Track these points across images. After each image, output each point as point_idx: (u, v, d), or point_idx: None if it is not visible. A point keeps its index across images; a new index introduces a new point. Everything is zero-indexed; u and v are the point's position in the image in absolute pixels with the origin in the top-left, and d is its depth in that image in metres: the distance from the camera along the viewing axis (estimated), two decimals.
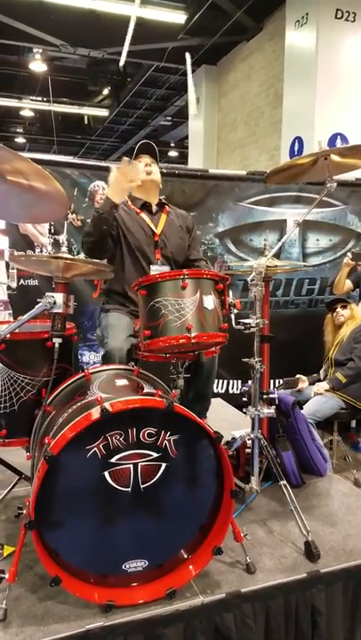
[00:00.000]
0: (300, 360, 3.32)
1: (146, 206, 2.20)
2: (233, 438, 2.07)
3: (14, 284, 3.16)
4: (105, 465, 1.31)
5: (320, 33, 5.02)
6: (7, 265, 3.23)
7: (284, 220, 3.58)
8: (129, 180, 1.92)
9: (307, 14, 5.17)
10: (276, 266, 2.02)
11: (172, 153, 12.78)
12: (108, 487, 1.32)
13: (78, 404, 1.47)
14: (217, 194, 3.44)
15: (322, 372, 3.18)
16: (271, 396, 1.94)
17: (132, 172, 1.93)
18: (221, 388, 3.58)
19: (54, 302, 1.55)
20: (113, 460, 1.31)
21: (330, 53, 5.06)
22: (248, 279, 1.86)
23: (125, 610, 1.35)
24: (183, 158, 11.34)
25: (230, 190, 3.48)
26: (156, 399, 1.37)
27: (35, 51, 7.36)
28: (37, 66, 7.75)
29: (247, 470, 2.03)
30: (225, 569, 1.54)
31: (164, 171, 3.20)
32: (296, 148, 5.37)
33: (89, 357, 3.28)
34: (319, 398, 2.91)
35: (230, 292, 1.67)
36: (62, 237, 1.71)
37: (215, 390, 3.50)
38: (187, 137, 9.20)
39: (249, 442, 1.93)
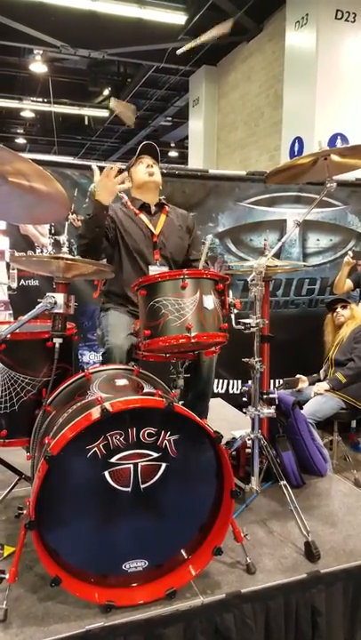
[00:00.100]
0: (301, 360, 3.32)
1: (145, 207, 2.21)
2: (233, 438, 2.07)
3: (15, 285, 3.16)
4: (105, 465, 1.31)
5: (320, 33, 5.03)
6: (8, 265, 3.24)
7: (284, 220, 3.59)
8: (115, 182, 1.89)
9: (307, 15, 5.17)
10: (277, 266, 2.02)
11: (173, 153, 12.78)
12: (108, 487, 1.32)
13: (78, 403, 1.47)
14: (217, 194, 3.44)
15: (322, 372, 3.17)
16: (271, 396, 1.94)
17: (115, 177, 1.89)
18: (221, 388, 3.57)
19: (55, 302, 1.55)
20: (113, 459, 1.31)
21: (330, 54, 5.06)
22: (248, 279, 1.86)
23: (125, 610, 1.35)
24: (183, 159, 11.35)
25: (230, 190, 3.49)
26: (156, 399, 1.37)
27: (35, 52, 7.38)
28: (38, 67, 7.77)
29: (247, 470, 2.03)
30: (225, 569, 1.54)
31: (165, 171, 3.20)
32: (296, 148, 5.38)
33: (89, 357, 3.29)
34: (319, 398, 2.91)
35: (230, 292, 1.67)
36: (63, 238, 1.71)
37: (215, 390, 3.50)
38: (187, 137, 9.21)
39: (249, 442, 1.93)
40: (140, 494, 1.35)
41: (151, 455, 1.34)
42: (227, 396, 3.49)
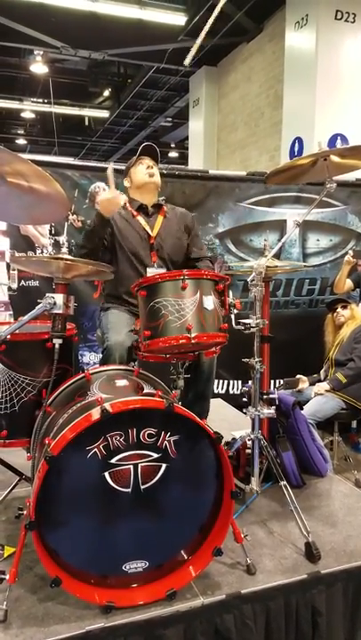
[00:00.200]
0: (301, 360, 3.32)
1: (142, 208, 2.21)
2: (233, 439, 2.07)
3: (15, 285, 3.16)
4: (105, 466, 1.31)
5: (320, 34, 5.03)
6: (8, 266, 3.24)
7: (285, 221, 3.59)
8: (115, 203, 1.98)
9: (307, 15, 5.18)
10: (277, 266, 2.02)
11: (173, 154, 12.79)
12: (108, 488, 1.32)
13: (78, 404, 1.47)
14: (217, 194, 3.45)
15: (322, 372, 3.17)
16: (271, 396, 1.93)
17: (117, 198, 1.98)
18: (222, 389, 3.57)
19: (54, 303, 1.55)
20: (113, 460, 1.31)
21: (330, 54, 5.06)
22: (248, 279, 1.86)
23: (126, 611, 1.35)
24: (183, 159, 11.36)
25: (230, 191, 3.49)
26: (156, 400, 1.37)
27: (36, 53, 7.39)
28: (38, 68, 7.78)
29: (247, 471, 2.03)
30: (225, 570, 1.54)
31: (165, 172, 3.21)
32: (296, 148, 5.38)
33: (89, 358, 3.29)
34: (320, 399, 2.91)
35: (230, 293, 1.67)
36: (63, 238, 1.72)
37: (215, 391, 3.50)
38: (187, 138, 9.22)
39: (249, 442, 1.93)
40: (141, 495, 1.35)
41: (151, 456, 1.34)
42: (227, 397, 3.49)
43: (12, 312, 3.38)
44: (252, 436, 1.86)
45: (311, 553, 1.59)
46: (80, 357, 3.28)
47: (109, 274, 1.90)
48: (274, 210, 3.58)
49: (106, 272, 1.78)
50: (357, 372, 2.93)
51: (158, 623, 1.35)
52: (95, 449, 1.29)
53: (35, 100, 9.41)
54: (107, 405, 1.28)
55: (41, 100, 9.41)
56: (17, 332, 1.63)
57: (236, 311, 1.66)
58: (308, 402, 2.89)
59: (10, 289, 3.19)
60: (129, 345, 1.88)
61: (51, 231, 3.18)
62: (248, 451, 2.05)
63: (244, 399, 2.01)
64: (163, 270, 2.10)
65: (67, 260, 1.52)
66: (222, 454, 1.38)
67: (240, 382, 3.55)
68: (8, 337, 1.59)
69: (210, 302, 1.54)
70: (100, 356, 2.02)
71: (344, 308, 3.19)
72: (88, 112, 10.26)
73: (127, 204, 2.23)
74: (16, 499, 1.89)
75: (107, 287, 2.23)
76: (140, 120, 10.61)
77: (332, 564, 1.58)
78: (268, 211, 3.57)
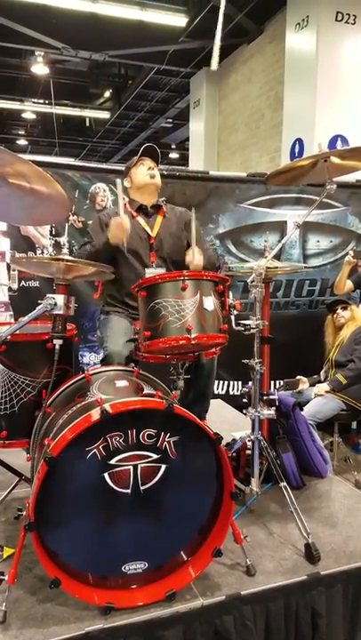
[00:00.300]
0: (301, 361, 3.32)
1: (142, 209, 2.21)
2: (233, 440, 2.07)
3: (15, 286, 3.17)
4: (105, 466, 1.31)
5: (320, 35, 5.03)
6: (8, 266, 3.24)
7: (285, 222, 3.59)
8: (124, 229, 1.99)
9: (307, 17, 5.18)
10: (277, 267, 2.02)
11: (173, 155, 12.80)
12: (107, 489, 1.32)
13: (78, 405, 1.47)
14: (217, 195, 3.45)
15: (322, 373, 3.17)
16: (271, 397, 1.94)
17: (127, 224, 1.99)
18: (222, 390, 3.57)
19: (55, 304, 1.55)
20: (113, 461, 1.31)
21: (330, 56, 5.07)
22: (248, 280, 1.86)
23: (125, 612, 1.35)
24: (184, 160, 11.37)
25: (231, 192, 3.49)
26: (155, 400, 1.37)
27: (37, 53, 7.40)
28: (39, 68, 7.79)
29: (247, 472, 2.03)
30: (225, 571, 1.54)
31: (165, 173, 3.21)
32: (297, 149, 5.38)
33: (89, 358, 3.29)
34: (320, 399, 2.91)
35: (230, 294, 1.67)
36: (63, 239, 1.72)
37: (216, 391, 3.50)
38: (188, 139, 9.22)
39: (249, 443, 1.93)
40: (140, 496, 1.35)
41: (151, 457, 1.34)
42: (227, 398, 3.49)
43: (12, 312, 3.38)
44: (252, 437, 1.86)
45: (311, 554, 1.59)
46: (80, 358, 3.28)
47: (110, 274, 1.91)
48: (274, 211, 3.58)
49: (106, 273, 1.79)
50: (358, 373, 2.93)
51: (158, 624, 1.35)
52: (95, 450, 1.29)
53: (35, 100, 9.42)
54: (106, 406, 1.28)
55: (42, 101, 9.42)
56: (17, 332, 1.63)
57: (236, 312, 1.66)
58: (308, 403, 2.89)
59: (10, 289, 3.20)
60: (127, 354, 1.90)
61: (51, 232, 3.19)
62: (248, 452, 2.05)
63: (245, 400, 2.01)
64: (161, 270, 2.10)
65: (67, 260, 1.52)
66: (222, 455, 1.38)
67: (240, 383, 3.55)
68: (8, 337, 1.59)
69: (210, 303, 1.55)
70: (100, 356, 2.03)
71: (344, 309, 3.18)
72: (89, 113, 10.26)
73: (127, 205, 2.24)
74: (15, 499, 1.89)
75: (107, 288, 2.23)
76: (140, 121, 10.63)
77: (332, 566, 1.58)
78: (268, 212, 3.57)
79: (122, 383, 1.61)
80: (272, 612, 1.48)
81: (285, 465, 2.08)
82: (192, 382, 1.95)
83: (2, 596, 1.34)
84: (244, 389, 2.08)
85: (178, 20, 6.15)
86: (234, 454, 2.11)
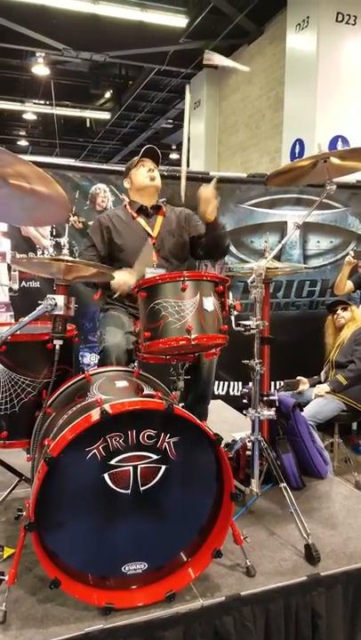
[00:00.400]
0: (301, 362, 3.32)
1: (142, 210, 2.22)
2: (233, 440, 2.07)
3: (16, 286, 3.17)
4: (105, 467, 1.31)
5: (321, 36, 5.04)
6: (9, 267, 3.25)
7: (285, 222, 3.59)
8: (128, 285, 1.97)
9: (308, 17, 5.19)
10: (277, 268, 2.02)
11: (174, 156, 12.80)
12: (107, 489, 1.32)
13: (78, 405, 1.47)
14: (218, 196, 3.45)
15: (323, 373, 3.17)
16: (271, 397, 1.93)
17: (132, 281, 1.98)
18: (222, 390, 3.57)
19: (55, 304, 1.55)
20: (113, 462, 1.31)
21: (331, 56, 5.07)
22: (248, 281, 1.86)
23: (125, 612, 1.35)
24: None
25: (231, 192, 3.49)
26: (155, 401, 1.37)
27: (37, 54, 7.42)
28: (40, 69, 7.81)
29: (247, 473, 2.03)
30: (225, 572, 1.53)
31: (165, 173, 3.21)
32: (297, 150, 5.39)
33: (90, 359, 3.29)
34: (320, 400, 2.91)
35: (230, 294, 1.67)
36: (63, 240, 1.73)
37: (216, 392, 3.50)
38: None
39: (249, 444, 1.93)
40: (140, 496, 1.35)
41: (151, 457, 1.34)
42: (227, 398, 3.49)
43: (12, 313, 3.39)
44: (252, 438, 1.86)
45: (311, 555, 1.59)
46: (80, 358, 3.28)
47: (110, 275, 1.91)
48: (274, 211, 3.59)
49: (106, 274, 1.79)
50: (358, 373, 2.93)
51: (158, 625, 1.35)
52: (95, 450, 1.29)
53: (36, 101, 9.44)
54: (106, 406, 1.28)
55: (42, 102, 9.44)
56: (18, 332, 1.63)
57: (236, 313, 1.66)
58: (308, 403, 2.89)
59: (11, 290, 3.20)
60: (125, 347, 1.89)
61: (52, 233, 3.19)
62: (248, 452, 2.05)
63: (245, 401, 2.00)
64: (161, 271, 2.10)
65: (67, 261, 1.52)
66: (222, 456, 1.38)
67: (240, 384, 3.55)
68: (9, 338, 1.59)
69: (210, 304, 1.55)
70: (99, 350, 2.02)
71: (344, 309, 3.19)
72: (89, 114, 10.28)
73: (126, 206, 2.24)
74: (16, 500, 1.89)
75: (107, 289, 2.23)
76: (141, 122, 10.64)
77: (331, 566, 1.58)
78: (268, 212, 3.57)
79: (122, 383, 1.61)
80: (272, 612, 1.47)
81: (285, 466, 2.07)
82: (192, 383, 1.95)
83: (2, 596, 1.34)
84: (245, 390, 2.08)
85: (178, 20, 6.17)
86: (234, 455, 2.10)
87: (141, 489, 1.34)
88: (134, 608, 1.36)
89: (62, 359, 1.63)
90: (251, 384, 1.89)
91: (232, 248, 3.54)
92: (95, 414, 1.28)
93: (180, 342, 1.49)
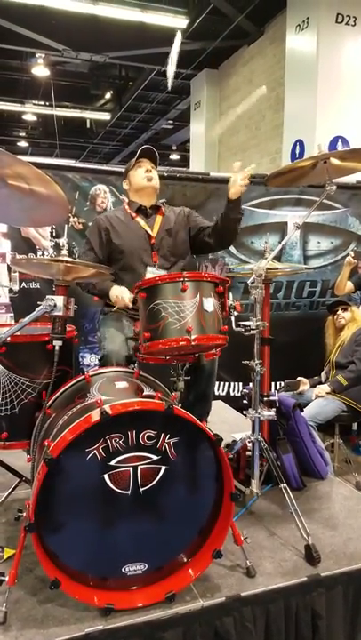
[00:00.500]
0: (302, 362, 3.32)
1: (141, 210, 2.22)
2: (233, 441, 2.07)
3: (16, 287, 3.17)
4: (105, 468, 1.31)
5: (321, 37, 5.04)
6: (9, 268, 3.25)
7: (285, 223, 3.59)
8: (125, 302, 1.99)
9: (308, 18, 5.19)
10: (277, 268, 2.02)
11: (174, 156, 12.82)
12: (107, 490, 1.32)
13: (78, 406, 1.47)
14: (218, 197, 3.45)
15: (323, 374, 3.17)
16: (272, 398, 1.93)
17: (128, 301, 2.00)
18: (223, 391, 3.57)
19: (55, 305, 1.55)
20: (113, 462, 1.31)
21: (331, 57, 5.08)
22: (248, 281, 1.86)
23: (125, 613, 1.35)
24: (185, 161, 11.38)
25: None
26: (155, 401, 1.37)
27: (37, 55, 7.43)
28: (40, 70, 7.81)
29: (247, 473, 2.03)
30: (225, 572, 1.53)
31: (166, 174, 3.22)
32: (297, 151, 5.39)
33: (90, 360, 3.29)
34: (320, 401, 2.91)
35: (230, 295, 1.67)
36: (63, 241, 1.72)
37: (216, 393, 3.50)
38: (188, 140, 9.24)
39: (249, 444, 1.93)
40: (140, 497, 1.35)
41: (151, 458, 1.34)
42: (228, 399, 3.49)
43: (12, 314, 3.39)
44: (252, 439, 1.86)
45: (311, 555, 1.59)
46: (81, 359, 3.28)
47: (110, 276, 1.91)
48: (275, 212, 3.59)
49: (106, 274, 1.79)
50: (358, 374, 2.93)
51: (158, 625, 1.35)
52: (95, 451, 1.29)
53: (36, 102, 9.45)
54: (106, 407, 1.28)
55: (42, 103, 9.45)
56: (17, 333, 1.63)
57: (236, 313, 1.66)
58: (308, 404, 2.89)
59: (11, 291, 3.21)
60: (125, 354, 1.90)
61: (52, 233, 3.19)
62: (248, 453, 2.05)
63: (245, 401, 2.00)
64: (162, 272, 2.10)
65: (67, 262, 1.53)
66: (222, 456, 1.38)
67: (241, 384, 3.55)
68: (8, 339, 1.59)
69: (210, 304, 1.55)
70: (99, 356, 2.03)
71: (345, 310, 3.19)
72: (89, 114, 10.29)
73: (125, 207, 2.25)
74: (16, 500, 1.89)
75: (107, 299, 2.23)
76: (141, 122, 10.64)
77: (332, 567, 1.58)
78: (268, 213, 3.57)
79: (122, 384, 1.61)
80: (272, 613, 1.47)
81: (286, 466, 2.07)
82: (192, 384, 1.94)
83: (2, 596, 1.34)
84: (245, 390, 2.08)
85: (178, 21, 6.16)
86: (234, 455, 2.10)
87: (141, 489, 1.34)
88: (134, 609, 1.36)
89: (62, 360, 1.63)
90: (251, 384, 1.89)
91: (232, 249, 3.54)
92: (95, 415, 1.28)
93: (180, 343, 1.49)
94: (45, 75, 7.98)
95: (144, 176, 2.20)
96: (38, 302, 1.58)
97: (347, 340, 3.08)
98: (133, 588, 1.40)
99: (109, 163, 12.82)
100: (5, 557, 1.56)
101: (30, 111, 9.98)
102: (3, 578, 1.35)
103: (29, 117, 10.41)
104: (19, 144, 12.30)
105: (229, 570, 1.55)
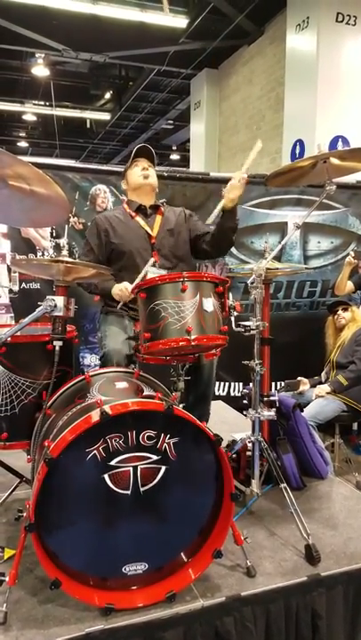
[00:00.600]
0: (302, 362, 3.32)
1: (141, 209, 2.22)
2: (233, 441, 2.07)
3: (16, 288, 3.18)
4: (105, 468, 1.31)
5: (321, 36, 5.04)
6: (9, 268, 3.26)
7: (285, 223, 3.59)
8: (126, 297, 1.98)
9: (308, 18, 5.19)
10: (277, 268, 2.02)
11: (174, 156, 12.81)
12: (107, 490, 1.32)
13: (78, 406, 1.47)
14: (218, 197, 3.43)
15: (323, 374, 3.17)
16: (272, 398, 1.93)
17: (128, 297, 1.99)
18: (223, 391, 3.57)
19: (55, 305, 1.55)
20: (113, 462, 1.31)
21: (331, 57, 5.07)
22: (248, 282, 1.87)
23: (125, 613, 1.35)
24: (185, 162, 11.38)
25: None
26: (155, 402, 1.37)
27: (37, 55, 7.43)
28: (40, 70, 7.81)
29: (248, 473, 2.03)
30: (225, 572, 1.54)
31: (165, 174, 3.22)
32: (297, 151, 5.39)
33: (90, 360, 3.29)
34: (320, 401, 2.91)
35: (230, 295, 1.68)
36: (63, 241, 1.72)
37: (217, 393, 3.50)
38: (188, 140, 9.24)
39: (249, 444, 1.93)
40: (140, 497, 1.35)
41: (151, 458, 1.34)
42: (228, 399, 3.49)
43: (12, 314, 3.39)
44: (252, 439, 1.86)
45: (311, 555, 1.59)
46: (81, 359, 3.28)
47: (109, 276, 1.91)
48: (275, 212, 3.59)
49: (106, 274, 1.79)
50: (358, 374, 2.93)
51: (158, 625, 1.35)
52: (95, 451, 1.29)
53: (36, 102, 9.45)
54: (106, 407, 1.28)
55: (42, 103, 9.45)
56: (17, 334, 1.63)
57: (236, 313, 1.66)
58: (308, 404, 2.89)
59: (11, 291, 3.21)
60: (126, 352, 1.90)
61: (52, 234, 3.20)
62: (248, 453, 2.05)
63: (245, 401, 2.01)
64: (163, 272, 2.10)
65: (67, 262, 1.53)
66: (222, 456, 1.38)
67: (241, 384, 3.55)
68: (8, 339, 1.59)
69: (210, 304, 1.55)
70: (100, 355, 2.03)
71: (345, 310, 3.19)
72: (89, 114, 10.29)
73: (125, 206, 2.25)
74: (16, 501, 1.89)
75: (109, 299, 2.23)
76: (141, 122, 10.64)
77: (332, 567, 1.58)
78: (269, 213, 3.57)
79: (122, 384, 1.61)
80: (272, 613, 1.48)
81: (286, 466, 2.07)
82: (193, 384, 1.95)
83: (2, 597, 1.34)
84: (245, 391, 2.08)
85: (178, 21, 6.17)
86: (234, 455, 2.11)
87: (142, 489, 1.35)
88: (135, 608, 1.36)
89: (62, 360, 1.63)
90: (251, 385, 1.89)
91: (232, 249, 3.54)
92: (95, 415, 1.28)
93: (180, 343, 1.49)
94: (45, 75, 7.98)
95: (140, 174, 2.20)
96: (38, 303, 1.59)
97: (347, 340, 3.08)
98: (134, 587, 1.40)
99: (109, 163, 12.82)
100: (6, 557, 1.56)
101: (30, 111, 9.98)
102: (3, 578, 1.36)
103: (29, 117, 10.41)
104: (19, 144, 12.30)
105: (230, 570, 1.55)
